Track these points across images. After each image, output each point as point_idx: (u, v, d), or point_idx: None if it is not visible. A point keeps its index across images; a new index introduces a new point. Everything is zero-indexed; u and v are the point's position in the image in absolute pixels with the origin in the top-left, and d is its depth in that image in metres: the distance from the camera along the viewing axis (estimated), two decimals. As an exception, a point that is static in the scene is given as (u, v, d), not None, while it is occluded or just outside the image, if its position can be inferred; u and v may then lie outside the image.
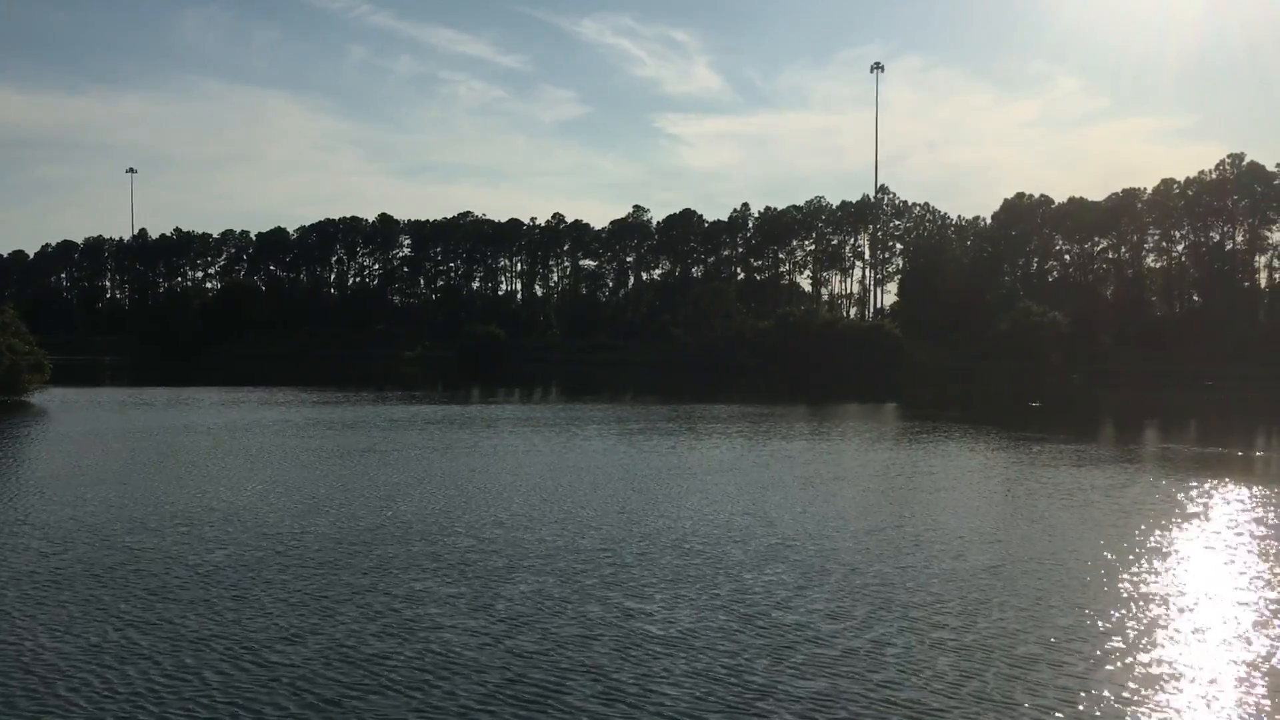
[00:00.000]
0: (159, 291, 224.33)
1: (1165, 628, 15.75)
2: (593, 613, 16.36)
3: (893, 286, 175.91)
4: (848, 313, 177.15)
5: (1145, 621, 16.05)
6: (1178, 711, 12.42)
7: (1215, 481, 31.85)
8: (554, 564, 19.70)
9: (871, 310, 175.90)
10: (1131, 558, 20.59)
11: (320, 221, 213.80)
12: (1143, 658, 14.29)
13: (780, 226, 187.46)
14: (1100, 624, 15.90)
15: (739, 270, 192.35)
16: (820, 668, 13.83)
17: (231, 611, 16.36)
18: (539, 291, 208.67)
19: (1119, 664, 14.02)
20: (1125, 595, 17.66)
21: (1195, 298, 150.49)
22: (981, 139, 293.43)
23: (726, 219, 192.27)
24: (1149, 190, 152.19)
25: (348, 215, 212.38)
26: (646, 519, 24.49)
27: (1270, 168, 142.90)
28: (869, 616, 16.27)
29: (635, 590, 17.77)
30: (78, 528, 22.92)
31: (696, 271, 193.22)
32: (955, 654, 14.40)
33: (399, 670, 13.68)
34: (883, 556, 20.62)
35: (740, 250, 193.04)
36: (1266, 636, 15.31)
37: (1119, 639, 15.12)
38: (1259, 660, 14.26)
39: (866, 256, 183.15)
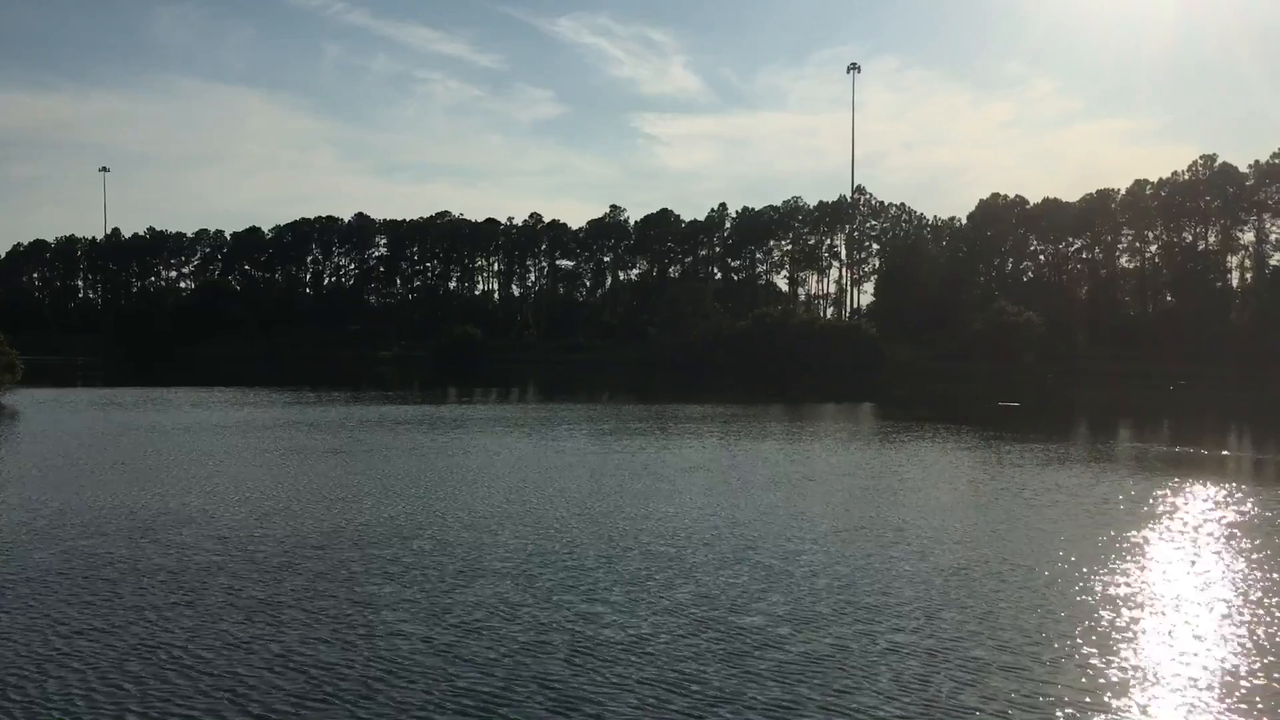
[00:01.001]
0: (132, 291, 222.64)
1: (1123, 629, 15.63)
2: (547, 618, 16.08)
3: (869, 286, 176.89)
4: (825, 313, 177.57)
5: (1104, 623, 15.94)
6: (1132, 714, 12.28)
7: (1182, 481, 31.89)
8: (513, 568, 19.40)
9: (848, 310, 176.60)
10: (1093, 558, 20.50)
11: (296, 221, 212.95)
12: (1099, 660, 14.17)
13: (757, 227, 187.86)
14: (1059, 626, 15.77)
15: (716, 270, 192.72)
16: (776, 674, 13.62)
17: (175, 618, 15.99)
18: (516, 291, 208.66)
19: (1075, 667, 13.89)
20: (1085, 597, 17.54)
21: (1168, 298, 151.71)
22: (957, 140, 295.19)
23: (704, 219, 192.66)
24: (1122, 191, 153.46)
25: (323, 215, 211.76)
26: (610, 521, 24.22)
27: (1242, 169, 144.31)
28: (827, 620, 16.05)
29: (593, 594, 17.51)
30: (27, 532, 22.46)
31: (674, 271, 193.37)
32: (913, 658, 14.23)
33: (344, 680, 13.38)
34: (845, 558, 20.44)
35: (717, 250, 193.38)
36: (1226, 637, 15.23)
37: (1077, 640, 15.00)
38: (1220, 662, 14.17)
39: (843, 257, 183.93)
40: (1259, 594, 17.85)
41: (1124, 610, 16.73)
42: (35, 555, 20.22)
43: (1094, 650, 14.60)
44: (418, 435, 45.33)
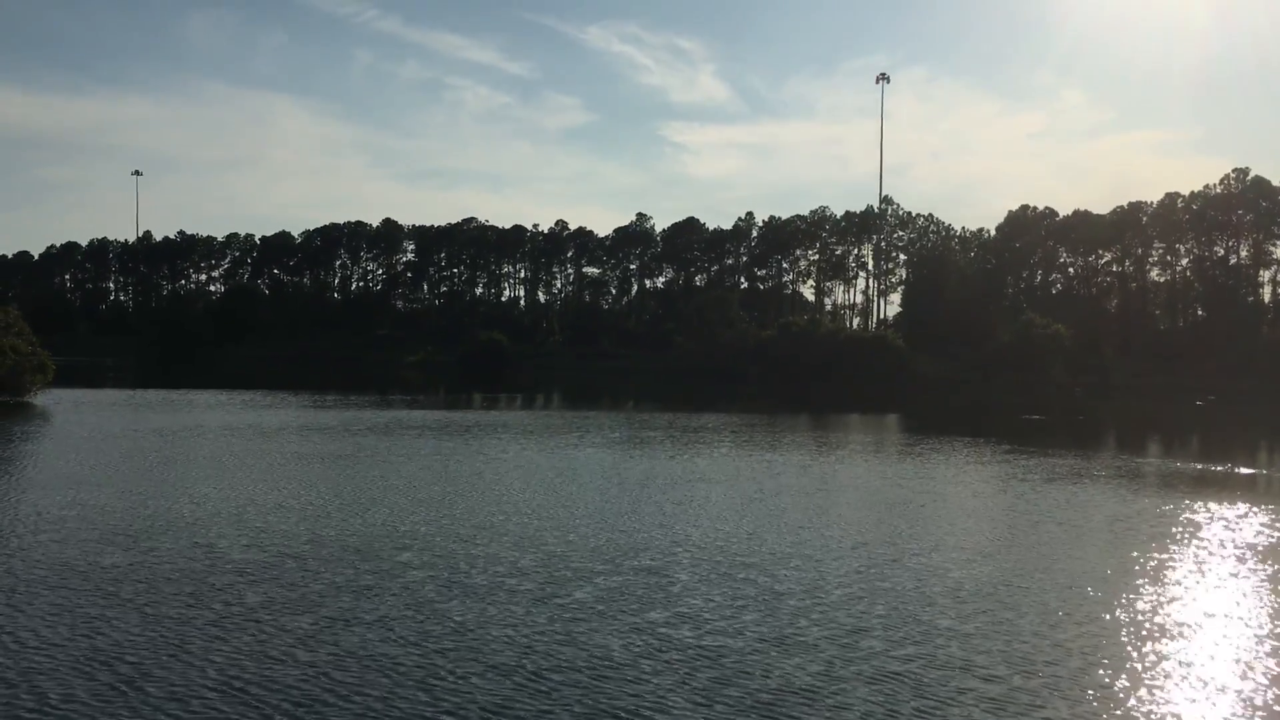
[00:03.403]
0: (163, 294, 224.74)
1: (1129, 656, 15.22)
2: (516, 639, 15.82)
3: (896, 297, 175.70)
4: (851, 323, 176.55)
5: (1109, 648, 15.53)
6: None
7: (1206, 500, 31.24)
8: (495, 584, 19.10)
9: (874, 321, 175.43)
10: (1108, 580, 20.04)
11: (324, 226, 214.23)
12: (1098, 687, 13.85)
13: (784, 236, 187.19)
14: (1060, 654, 15.30)
15: (742, 279, 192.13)
16: (751, 708, 13.38)
17: (138, 627, 15.89)
18: (542, 298, 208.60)
19: (1073, 694, 13.54)
20: (1093, 622, 17.07)
21: (1199, 312, 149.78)
22: (986, 150, 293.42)
23: (730, 228, 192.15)
24: (1154, 204, 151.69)
25: (352, 220, 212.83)
26: (605, 534, 23.88)
27: (1276, 182, 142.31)
28: (812, 647, 15.66)
29: (567, 614, 17.17)
30: (32, 536, 22.55)
31: (700, 280, 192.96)
32: (900, 684, 13.86)
33: (300, 702, 13.24)
34: (849, 579, 19.95)
35: (744, 259, 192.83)
36: (1238, 660, 14.86)
37: (1076, 669, 14.57)
38: (1227, 685, 13.82)
39: (870, 267, 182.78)
40: (1271, 616, 17.50)
41: (1132, 636, 16.26)
42: (36, 561, 20.28)
43: (1095, 678, 14.27)
44: (435, 441, 45.36)
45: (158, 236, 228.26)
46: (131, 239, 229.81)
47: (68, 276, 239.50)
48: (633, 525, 25.44)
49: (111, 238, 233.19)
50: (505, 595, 18.36)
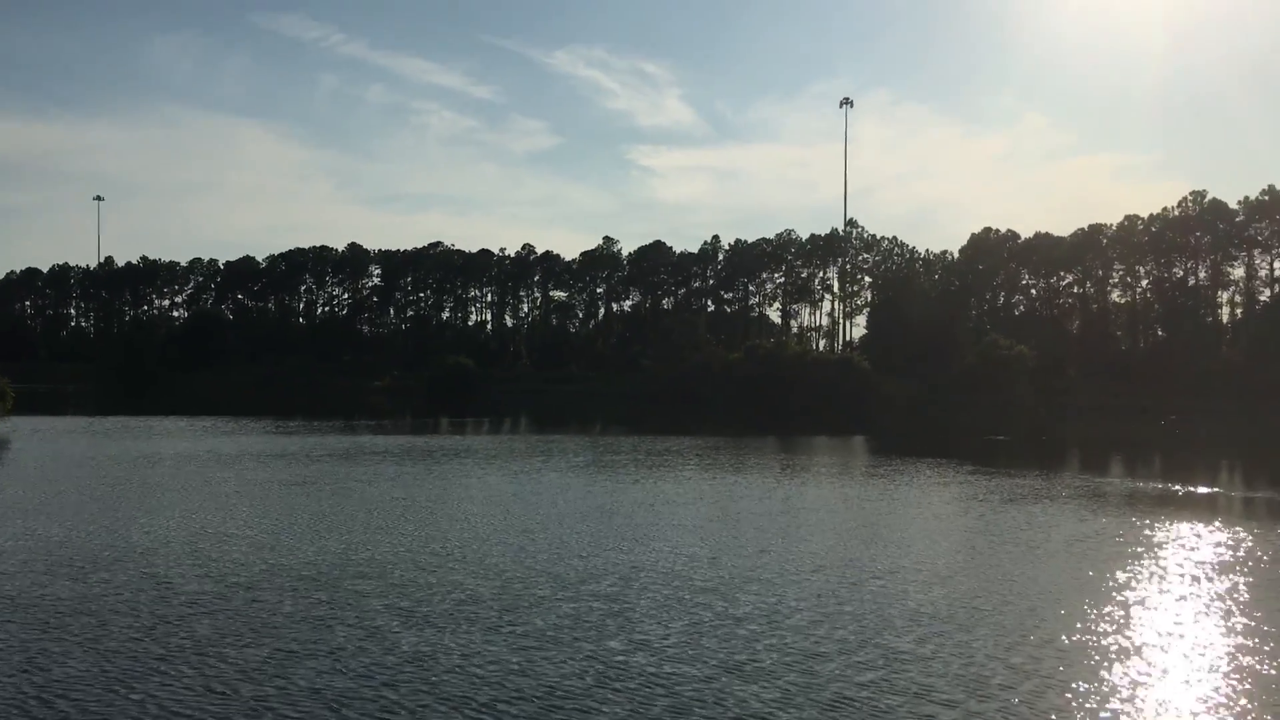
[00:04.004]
0: (125, 320, 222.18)
1: (1092, 675, 15.18)
2: (470, 670, 15.55)
3: (861, 319, 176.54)
4: (817, 345, 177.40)
5: (1067, 671, 15.52)
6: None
7: (1169, 520, 31.45)
8: (451, 612, 18.82)
9: (840, 343, 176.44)
10: (1070, 601, 20.04)
11: (289, 250, 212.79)
12: (1065, 706, 13.80)
13: (750, 259, 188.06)
14: (1018, 678, 15.33)
15: (709, 302, 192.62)
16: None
17: (84, 662, 15.51)
18: (509, 322, 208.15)
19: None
20: (1054, 644, 17.03)
21: (1159, 332, 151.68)
22: (949, 173, 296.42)
23: (697, 251, 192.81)
24: (1113, 226, 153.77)
25: (317, 244, 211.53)
26: (565, 560, 23.62)
27: (1232, 205, 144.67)
28: (770, 673, 15.48)
29: (523, 643, 16.93)
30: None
31: (667, 303, 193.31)
32: (866, 714, 13.76)
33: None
34: (808, 603, 19.81)
35: (710, 282, 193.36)
36: (1192, 681, 14.88)
37: (1034, 692, 14.60)
38: (1186, 706, 13.84)
39: (835, 289, 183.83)
40: (1236, 636, 17.56)
41: (1090, 658, 16.20)
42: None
43: (1050, 701, 14.16)
44: (396, 467, 44.92)
45: (120, 262, 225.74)
46: (93, 264, 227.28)
47: (28, 303, 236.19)
48: (592, 551, 25.24)
49: (73, 263, 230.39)
50: (461, 624, 18.12)
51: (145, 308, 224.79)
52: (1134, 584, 22.37)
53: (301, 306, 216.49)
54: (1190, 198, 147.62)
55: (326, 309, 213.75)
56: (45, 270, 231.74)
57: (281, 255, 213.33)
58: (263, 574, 22.09)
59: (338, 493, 35.98)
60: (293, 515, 30.60)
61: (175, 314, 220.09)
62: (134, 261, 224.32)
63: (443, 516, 30.70)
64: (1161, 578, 23.15)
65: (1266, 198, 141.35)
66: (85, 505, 32.23)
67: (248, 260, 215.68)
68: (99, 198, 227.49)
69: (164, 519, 29.54)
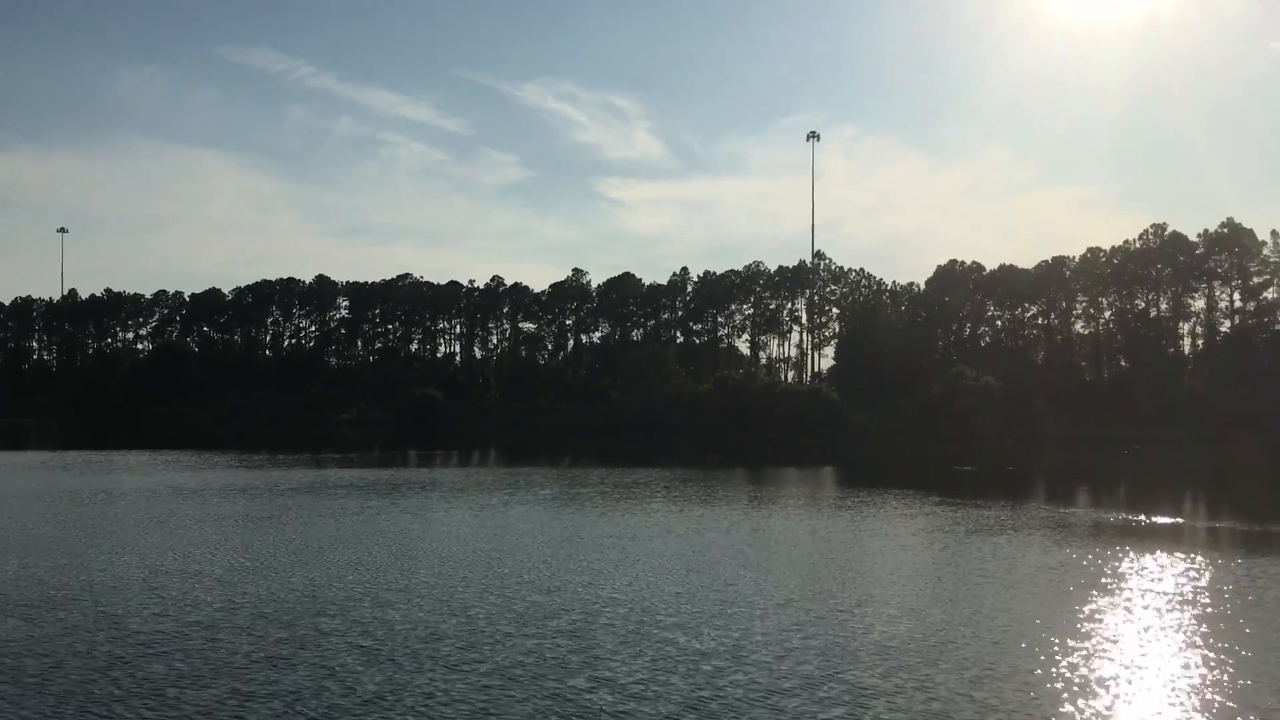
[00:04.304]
0: (88, 353, 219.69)
1: (1056, 708, 15.22)
2: (430, 710, 15.33)
3: (829, 350, 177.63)
4: (786, 376, 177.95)
5: (1035, 703, 15.49)
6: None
7: (1133, 551, 31.62)
8: (412, 650, 18.56)
9: (809, 374, 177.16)
10: (1033, 633, 20.06)
11: (256, 283, 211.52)
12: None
13: (719, 290, 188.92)
14: (987, 704, 15.32)
15: (678, 334, 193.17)
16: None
17: (34, 704, 15.15)
18: (478, 354, 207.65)
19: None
20: (1021, 679, 17.13)
21: (1123, 363, 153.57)
22: (915, 206, 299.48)
23: (666, 283, 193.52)
24: (1076, 258, 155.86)
25: (285, 276, 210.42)
26: (528, 596, 23.24)
27: (1192, 237, 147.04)
28: (733, 709, 15.34)
29: (485, 681, 16.69)
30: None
31: (636, 335, 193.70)
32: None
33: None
34: (773, 637, 19.64)
35: (679, 314, 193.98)
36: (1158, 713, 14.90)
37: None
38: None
39: (804, 321, 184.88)
40: (1200, 668, 17.62)
41: (1054, 691, 16.19)
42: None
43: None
44: (361, 501, 44.42)
45: (84, 295, 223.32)
46: (56, 297, 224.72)
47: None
48: (556, 586, 25.04)
49: (36, 296, 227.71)
50: (423, 662, 17.88)
51: (109, 340, 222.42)
52: (1099, 616, 22.44)
53: (268, 339, 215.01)
54: (1151, 230, 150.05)
55: (293, 341, 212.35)
56: (7, 303, 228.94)
57: (248, 287, 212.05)
58: (221, 612, 21.74)
59: (299, 528, 35.55)
60: (253, 551, 30.19)
61: (140, 347, 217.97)
62: (98, 294, 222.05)
63: (405, 552, 30.38)
64: (1126, 609, 23.25)
65: (1225, 230, 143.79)
66: (39, 542, 31.66)
67: (214, 292, 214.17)
68: (63, 230, 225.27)
69: (121, 556, 29.06)
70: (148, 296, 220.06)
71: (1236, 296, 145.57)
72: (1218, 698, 16.29)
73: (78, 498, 45.16)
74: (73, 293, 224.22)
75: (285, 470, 62.77)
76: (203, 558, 28.81)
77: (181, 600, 22.94)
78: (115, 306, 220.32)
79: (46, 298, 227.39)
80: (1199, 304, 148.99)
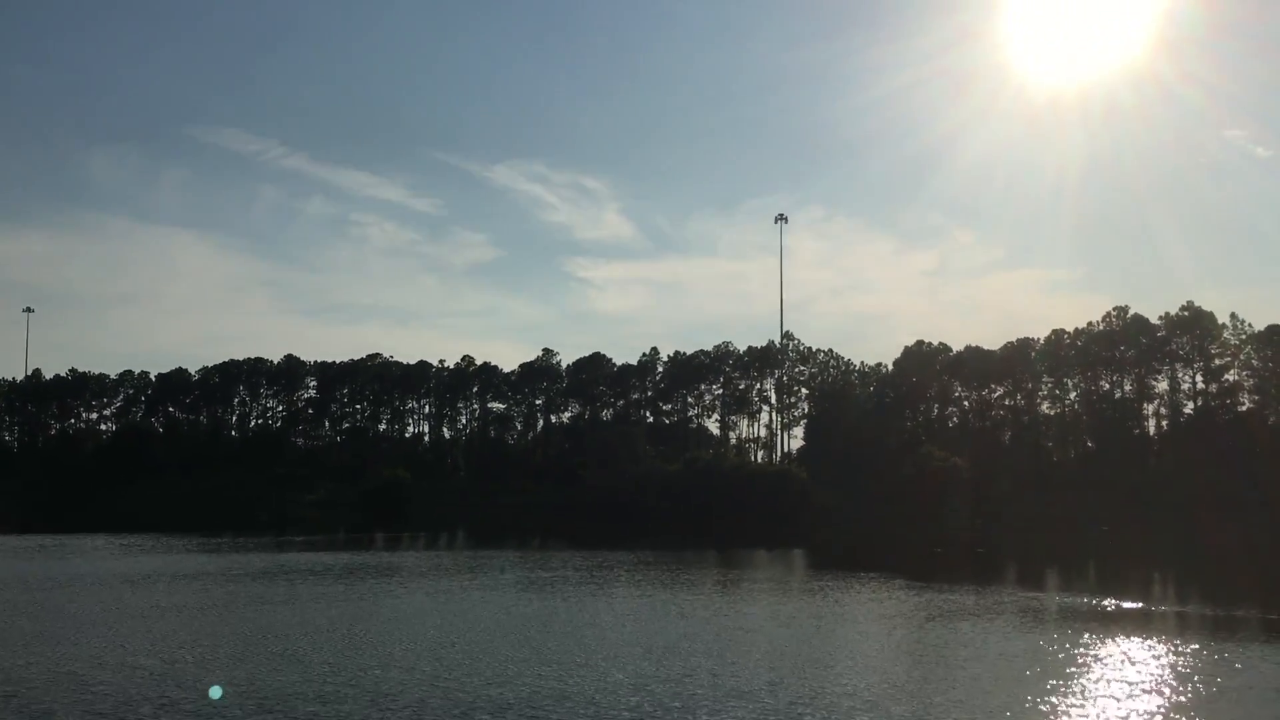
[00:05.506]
0: (51, 434, 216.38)
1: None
2: None
3: (799, 430, 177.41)
4: (755, 456, 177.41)
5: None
6: None
7: (1095, 635, 31.27)
8: None
9: (778, 454, 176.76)
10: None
11: (223, 362, 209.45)
12: None
13: (689, 370, 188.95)
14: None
15: (648, 413, 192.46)
16: None
17: None
18: (447, 434, 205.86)
19: None
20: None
21: (1089, 443, 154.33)
22: (883, 287, 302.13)
23: (636, 362, 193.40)
24: (1041, 340, 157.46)
25: (253, 355, 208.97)
26: (475, 688, 22.59)
27: (1154, 320, 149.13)
28: None
29: None
30: None
31: (606, 414, 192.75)
32: None
33: None
34: None
35: (649, 394, 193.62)
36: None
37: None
38: None
39: (773, 401, 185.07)
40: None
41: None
42: None
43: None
44: (316, 587, 43.37)
45: (48, 374, 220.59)
46: (20, 377, 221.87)
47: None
48: (508, 677, 24.37)
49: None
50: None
51: (72, 420, 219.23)
52: (1062, 707, 22.04)
53: (235, 419, 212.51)
54: (1114, 313, 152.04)
55: (260, 421, 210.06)
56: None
57: (215, 367, 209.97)
58: (157, 710, 20.94)
59: (248, 617, 34.61)
60: (195, 643, 29.26)
61: (104, 427, 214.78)
62: (62, 374, 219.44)
63: (355, 641, 29.58)
64: (1088, 698, 22.87)
65: (1186, 313, 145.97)
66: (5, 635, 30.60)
67: (180, 372, 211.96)
68: (29, 309, 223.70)
69: (57, 648, 28.07)
70: (113, 376, 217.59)
71: (1199, 378, 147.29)
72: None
73: (24, 585, 43.90)
74: (37, 372, 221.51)
75: (244, 554, 61.51)
76: (140, 651, 27.87)
77: (115, 697, 22.12)
78: (80, 386, 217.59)
79: (10, 378, 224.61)
80: (1162, 385, 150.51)
